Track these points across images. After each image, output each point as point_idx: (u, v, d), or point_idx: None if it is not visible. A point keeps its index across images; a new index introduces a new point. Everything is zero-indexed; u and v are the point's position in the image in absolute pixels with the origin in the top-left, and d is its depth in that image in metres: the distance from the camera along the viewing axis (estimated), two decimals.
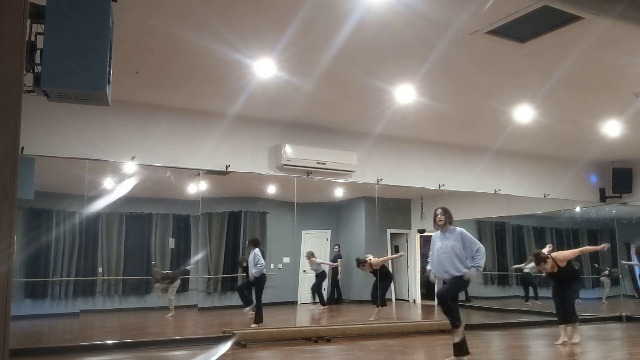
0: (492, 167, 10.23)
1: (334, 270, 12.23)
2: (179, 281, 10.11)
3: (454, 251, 5.94)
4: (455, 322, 5.87)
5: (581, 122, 8.30)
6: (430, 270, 6.24)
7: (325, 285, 12.15)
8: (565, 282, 7.53)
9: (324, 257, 12.41)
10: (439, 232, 6.17)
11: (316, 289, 11.39)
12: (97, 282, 10.57)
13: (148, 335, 8.65)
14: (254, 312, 8.85)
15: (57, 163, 7.03)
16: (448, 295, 5.95)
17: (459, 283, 6.00)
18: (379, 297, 9.73)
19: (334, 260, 12.22)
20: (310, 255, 11.33)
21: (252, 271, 8.84)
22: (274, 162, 8.32)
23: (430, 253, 6.30)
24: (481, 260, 5.91)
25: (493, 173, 10.25)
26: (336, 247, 12.34)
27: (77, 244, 10.27)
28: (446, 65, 6.07)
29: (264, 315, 8.71)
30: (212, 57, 5.75)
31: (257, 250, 9.02)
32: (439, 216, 6.13)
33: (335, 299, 12.37)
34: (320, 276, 11.41)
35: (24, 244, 9.05)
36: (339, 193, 11.51)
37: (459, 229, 6.10)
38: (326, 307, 11.18)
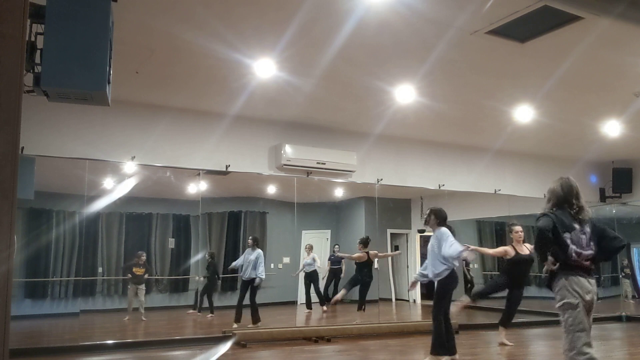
0: (492, 167, 10.23)
1: (337, 271, 12.15)
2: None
3: (432, 251, 5.95)
4: (432, 348, 5.84)
5: (581, 122, 8.30)
6: (414, 276, 6.30)
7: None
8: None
9: (324, 257, 12.39)
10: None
11: (317, 291, 11.25)
12: (97, 282, 10.57)
13: (148, 335, 8.66)
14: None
15: (57, 163, 7.03)
16: (434, 312, 5.91)
17: (439, 291, 5.94)
18: (360, 299, 9.48)
19: (337, 260, 12.14)
20: (310, 248, 11.13)
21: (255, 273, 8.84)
22: (274, 162, 8.32)
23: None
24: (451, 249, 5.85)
25: (493, 173, 10.25)
26: (336, 246, 12.28)
27: (77, 244, 10.28)
28: (446, 65, 6.07)
29: (261, 315, 8.75)
30: (212, 57, 5.75)
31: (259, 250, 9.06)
32: (432, 217, 6.10)
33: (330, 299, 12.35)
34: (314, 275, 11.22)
35: (24, 244, 9.05)
36: (339, 193, 11.51)
37: (442, 229, 6.00)
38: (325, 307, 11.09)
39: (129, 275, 9.91)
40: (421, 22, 4.98)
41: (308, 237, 11.95)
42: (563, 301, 3.58)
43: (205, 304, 10.22)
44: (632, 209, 11.31)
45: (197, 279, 10.71)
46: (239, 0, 4.64)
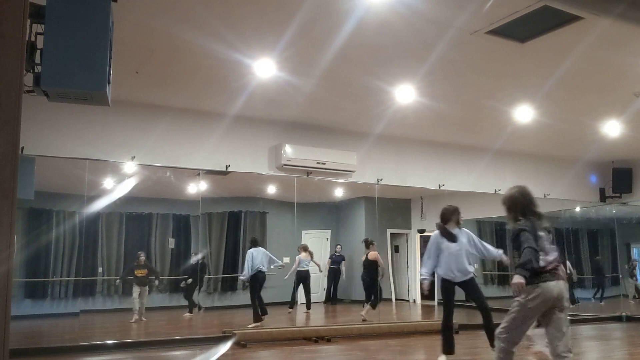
0: (492, 167, 10.23)
1: (336, 271, 12.16)
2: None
3: (465, 249, 5.90)
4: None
5: (581, 122, 8.30)
6: (425, 277, 5.85)
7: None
8: None
9: (324, 257, 12.38)
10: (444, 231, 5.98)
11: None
12: (97, 282, 10.57)
13: (148, 335, 8.66)
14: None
15: (57, 163, 7.03)
16: (486, 302, 6.00)
17: (475, 281, 6.04)
18: (366, 297, 9.67)
19: (337, 261, 12.15)
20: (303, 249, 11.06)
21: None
22: (274, 162, 8.32)
23: (429, 254, 5.93)
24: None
25: (493, 173, 10.25)
26: (338, 246, 12.26)
27: (77, 244, 10.28)
28: (446, 65, 6.07)
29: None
30: (212, 57, 5.75)
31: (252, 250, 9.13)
32: (461, 215, 6.02)
33: (332, 299, 12.34)
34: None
35: (24, 244, 9.06)
36: (339, 193, 11.50)
37: (465, 229, 6.08)
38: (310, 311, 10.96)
39: (130, 277, 9.88)
40: (421, 22, 4.98)
41: (308, 237, 11.95)
42: (521, 299, 3.69)
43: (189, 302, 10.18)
44: (632, 209, 11.31)
45: (183, 283, 10.64)
46: (239, 0, 4.64)
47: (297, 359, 6.56)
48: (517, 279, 3.61)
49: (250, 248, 9.22)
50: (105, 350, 6.90)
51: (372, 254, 9.72)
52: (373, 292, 9.64)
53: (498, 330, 3.82)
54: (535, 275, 3.68)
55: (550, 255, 3.76)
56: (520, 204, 3.88)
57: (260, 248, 9.30)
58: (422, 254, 12.91)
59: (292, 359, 6.58)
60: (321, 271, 11.41)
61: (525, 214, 3.83)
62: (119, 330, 8.94)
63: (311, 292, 10.98)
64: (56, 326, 9.42)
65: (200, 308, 10.11)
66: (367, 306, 9.44)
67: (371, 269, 9.71)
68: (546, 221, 3.90)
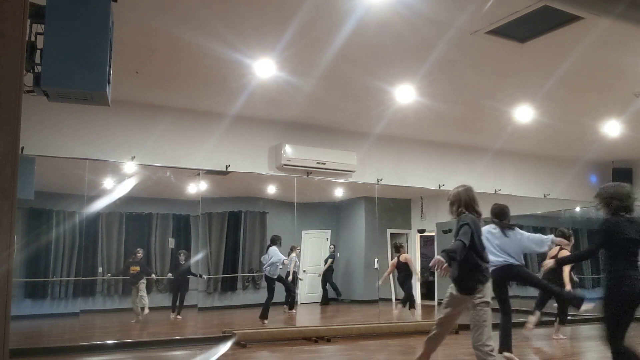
0: (492, 167, 10.23)
1: (328, 270, 12.20)
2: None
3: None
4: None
5: (581, 122, 8.30)
6: None
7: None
8: None
9: (323, 257, 12.40)
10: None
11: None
12: (97, 282, 10.56)
13: (148, 335, 8.66)
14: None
15: (57, 163, 7.03)
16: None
17: None
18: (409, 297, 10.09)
19: (326, 259, 12.24)
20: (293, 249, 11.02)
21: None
22: (274, 162, 8.32)
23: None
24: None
25: (493, 173, 10.25)
26: (331, 246, 12.39)
27: (77, 244, 10.25)
28: (446, 65, 6.07)
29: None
30: (212, 57, 5.76)
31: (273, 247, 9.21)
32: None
33: (328, 299, 12.34)
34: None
35: (24, 244, 9.04)
36: (339, 193, 11.50)
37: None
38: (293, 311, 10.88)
39: (126, 276, 9.84)
40: (421, 22, 4.98)
41: (308, 237, 11.95)
42: (484, 299, 3.95)
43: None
44: None
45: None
46: (239, 0, 4.65)
47: (297, 359, 6.56)
48: (439, 258, 3.82)
49: (271, 246, 9.33)
50: (105, 350, 6.90)
51: (403, 256, 10.11)
52: (406, 292, 10.07)
53: (486, 347, 3.98)
54: (485, 272, 3.99)
55: (490, 254, 4.11)
56: (463, 200, 4.16)
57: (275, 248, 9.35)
58: (422, 254, 12.97)
59: (292, 359, 6.58)
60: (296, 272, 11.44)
61: (467, 210, 4.11)
62: (119, 330, 8.94)
63: (311, 292, 10.98)
64: (56, 326, 9.41)
65: (178, 311, 10.01)
66: (400, 305, 9.82)
67: (403, 271, 10.02)
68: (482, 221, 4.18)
